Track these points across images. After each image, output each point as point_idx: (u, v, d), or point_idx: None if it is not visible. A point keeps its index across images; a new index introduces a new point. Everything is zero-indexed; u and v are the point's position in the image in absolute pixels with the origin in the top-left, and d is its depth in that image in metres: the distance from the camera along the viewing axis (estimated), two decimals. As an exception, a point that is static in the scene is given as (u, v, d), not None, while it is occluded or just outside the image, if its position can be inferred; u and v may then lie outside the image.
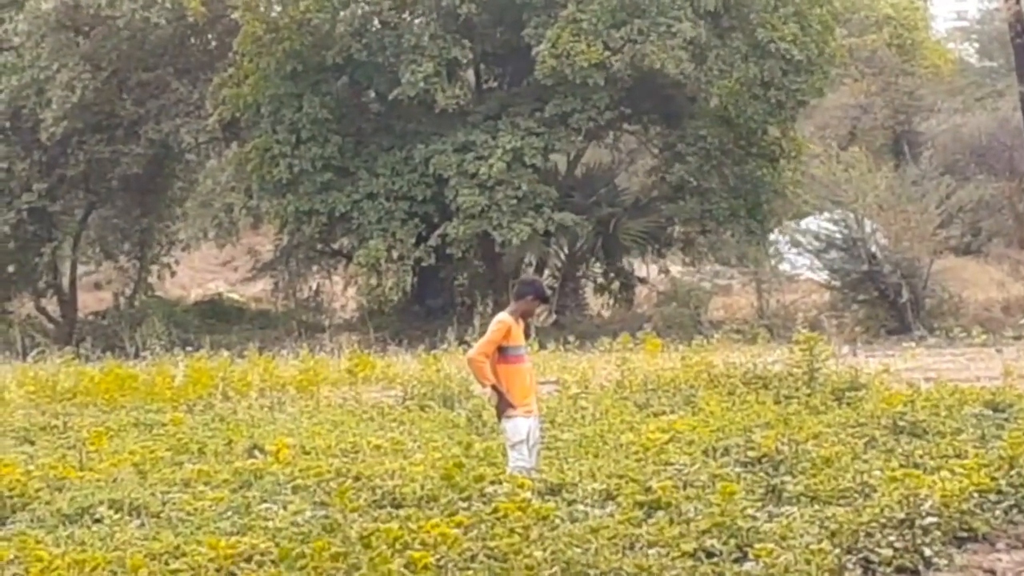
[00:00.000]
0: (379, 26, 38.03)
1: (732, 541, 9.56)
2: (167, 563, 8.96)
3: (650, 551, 9.30)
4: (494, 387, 12.79)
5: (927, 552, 9.67)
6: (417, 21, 38.19)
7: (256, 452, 14.95)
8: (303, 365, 25.47)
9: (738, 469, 12.88)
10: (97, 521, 11.03)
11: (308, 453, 14.90)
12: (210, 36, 41.24)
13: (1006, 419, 16.16)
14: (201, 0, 36.95)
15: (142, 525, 10.97)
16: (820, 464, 12.76)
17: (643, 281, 41.89)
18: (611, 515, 10.52)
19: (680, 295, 38.64)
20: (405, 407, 20.28)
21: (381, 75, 37.63)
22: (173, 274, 46.77)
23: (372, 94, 39.02)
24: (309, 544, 8.93)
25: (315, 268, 43.95)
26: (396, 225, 36.85)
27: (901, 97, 54.35)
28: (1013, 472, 11.66)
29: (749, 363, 21.08)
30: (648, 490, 11.36)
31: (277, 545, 9.16)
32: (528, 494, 10.54)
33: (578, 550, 9.09)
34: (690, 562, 9.10)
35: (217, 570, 8.74)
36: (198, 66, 41.36)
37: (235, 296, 47.52)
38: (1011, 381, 19.47)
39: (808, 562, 8.89)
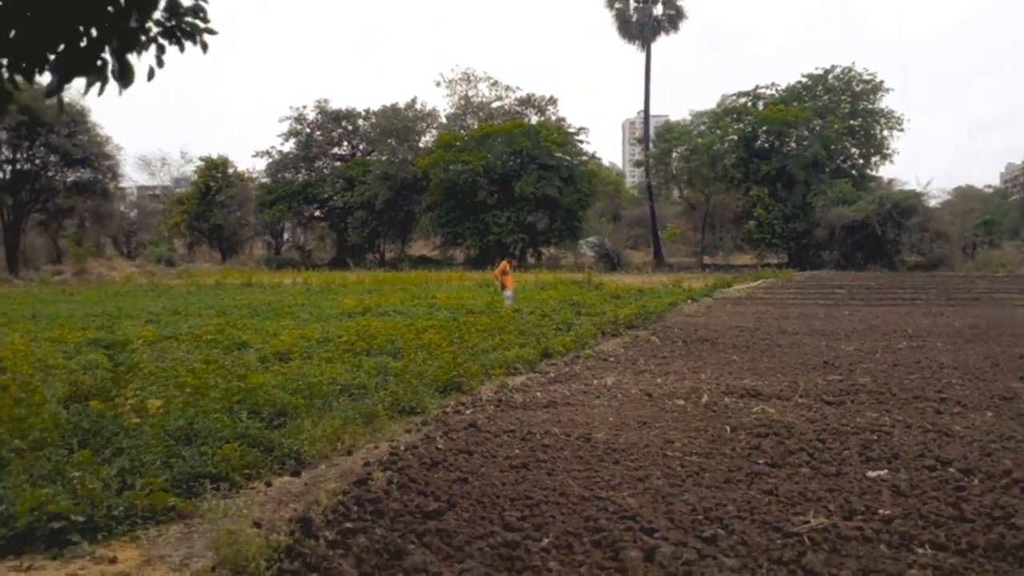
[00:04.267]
0: (471, 180, 39.88)
1: (565, 326, 9.95)
2: (411, 326, 9.18)
3: (543, 326, 9.82)
4: (502, 282, 13.73)
5: (623, 329, 9.96)
6: (481, 180, 40.14)
7: (434, 298, 15.82)
8: (454, 275, 26.14)
9: (569, 307, 12.89)
10: (385, 315, 11.74)
11: (449, 299, 15.49)
12: (422, 180, 42.46)
13: (629, 295, 16.26)
14: (421, 168, 40.58)
15: (405, 317, 11.38)
16: (589, 305, 13.11)
17: (542, 256, 42.25)
18: (533, 316, 11.03)
19: (554, 258, 41.71)
20: (478, 287, 21.11)
21: (473, 194, 39.64)
22: (410, 248, 47.93)
23: (468, 200, 40.10)
24: (447, 324, 9.40)
25: (451, 248, 44.62)
26: (475, 238, 40.21)
27: (615, 205, 52.22)
28: (643, 310, 11.94)
29: (571, 279, 21.70)
30: (542, 310, 11.78)
31: (439, 322, 9.62)
32: (510, 311, 11.30)
33: (522, 324, 9.61)
34: (555, 327, 9.55)
35: (419, 329, 8.82)
36: (420, 189, 43.03)
37: (430, 256, 46.15)
38: (647, 285, 19.39)
39: (588, 332, 9.25)
